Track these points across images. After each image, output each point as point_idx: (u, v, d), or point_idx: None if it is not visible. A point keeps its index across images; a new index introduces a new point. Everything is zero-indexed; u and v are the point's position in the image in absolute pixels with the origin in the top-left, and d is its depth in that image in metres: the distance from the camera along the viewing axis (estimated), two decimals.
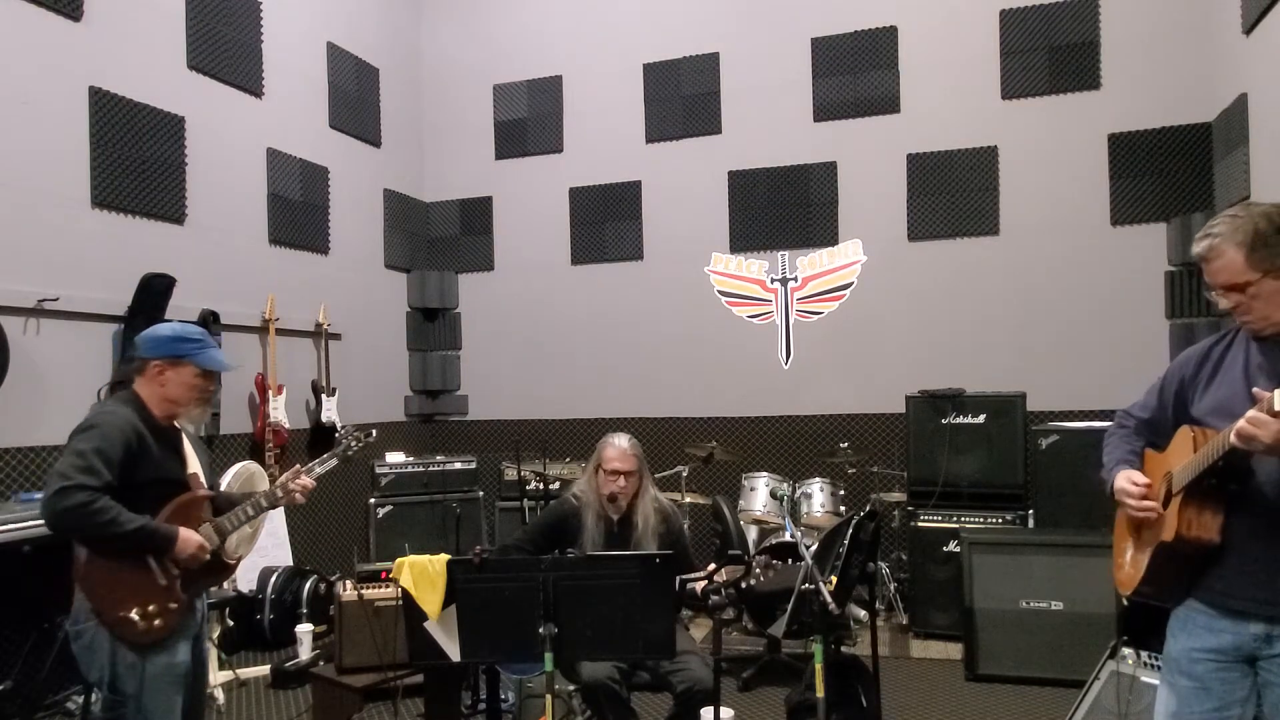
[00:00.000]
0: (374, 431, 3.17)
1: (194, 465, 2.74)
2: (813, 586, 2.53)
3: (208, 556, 2.59)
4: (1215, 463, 1.86)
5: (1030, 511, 5.10)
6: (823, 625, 2.51)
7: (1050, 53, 6.09)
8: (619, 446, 3.39)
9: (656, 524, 3.37)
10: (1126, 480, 2.11)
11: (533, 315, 7.41)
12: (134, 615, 2.45)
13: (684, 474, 5.74)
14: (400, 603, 2.91)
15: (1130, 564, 2.16)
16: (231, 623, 4.96)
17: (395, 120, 7.36)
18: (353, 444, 3.07)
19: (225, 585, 4.88)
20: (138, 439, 2.50)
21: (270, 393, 5.63)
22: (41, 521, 3.42)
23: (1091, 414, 5.52)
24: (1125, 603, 2.21)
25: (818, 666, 2.46)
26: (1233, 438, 1.79)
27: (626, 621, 2.55)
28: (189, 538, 2.54)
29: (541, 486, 5.69)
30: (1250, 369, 2.00)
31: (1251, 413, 1.75)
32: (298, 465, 2.92)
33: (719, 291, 6.90)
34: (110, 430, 2.46)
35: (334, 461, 3.00)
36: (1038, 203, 6.14)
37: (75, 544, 2.49)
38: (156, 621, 2.49)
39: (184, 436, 2.78)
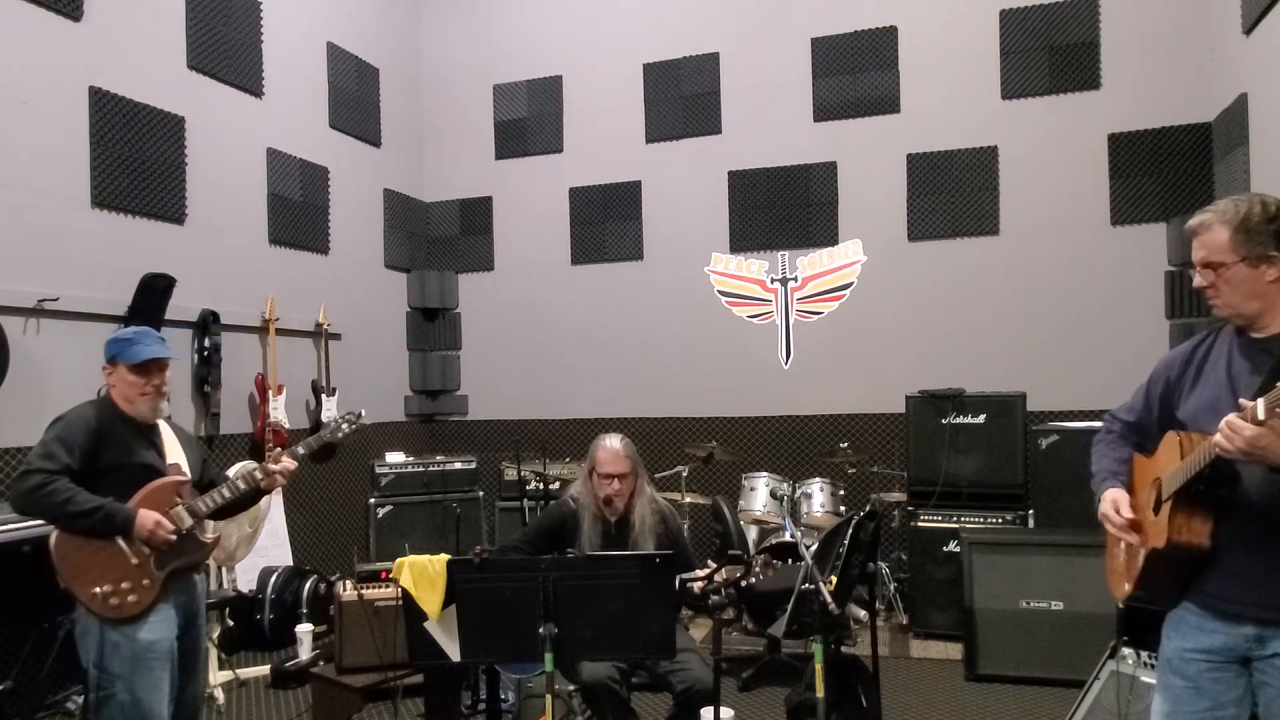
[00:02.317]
0: (363, 413, 3.23)
1: (175, 456, 2.85)
2: (813, 586, 2.53)
3: (171, 535, 2.66)
4: (1202, 469, 1.86)
5: (1030, 511, 5.09)
6: (823, 625, 2.51)
7: (1050, 53, 6.09)
8: (611, 449, 3.36)
9: (654, 524, 3.36)
10: (1111, 506, 2.12)
11: (533, 315, 7.41)
12: (105, 591, 2.56)
13: (684, 474, 5.74)
14: (400, 603, 2.91)
15: (1123, 569, 2.17)
16: (231, 623, 4.96)
17: (395, 120, 7.36)
18: (344, 426, 3.15)
19: (225, 585, 4.90)
20: (100, 427, 2.66)
21: (270, 393, 5.62)
22: (40, 522, 3.46)
23: (1091, 414, 5.51)
24: (1120, 605, 2.22)
25: (818, 666, 2.46)
26: (1209, 446, 1.80)
27: (626, 621, 2.55)
28: (145, 516, 2.63)
29: (541, 486, 5.69)
30: (1233, 369, 2.00)
31: (1230, 417, 1.75)
32: (279, 449, 2.97)
33: (719, 291, 6.90)
34: (72, 421, 2.65)
35: (318, 443, 3.07)
36: (1038, 203, 6.14)
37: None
38: (130, 598, 2.60)
39: (165, 430, 2.88)
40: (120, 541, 2.60)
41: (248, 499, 2.96)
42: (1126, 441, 2.26)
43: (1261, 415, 1.69)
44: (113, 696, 2.56)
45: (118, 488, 2.65)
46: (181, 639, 2.76)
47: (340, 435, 3.16)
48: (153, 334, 2.85)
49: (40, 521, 3.48)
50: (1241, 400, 1.76)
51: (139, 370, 2.75)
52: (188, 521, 2.73)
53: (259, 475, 2.86)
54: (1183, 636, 2.04)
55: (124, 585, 2.59)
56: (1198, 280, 2.02)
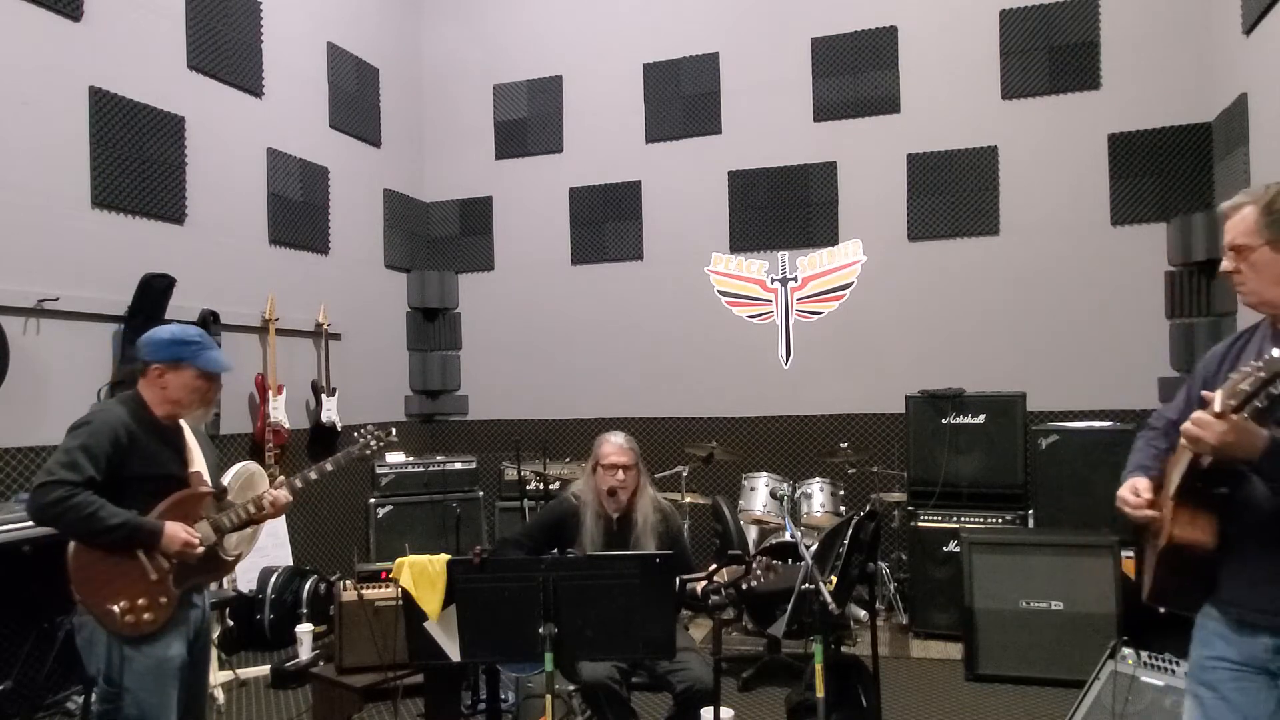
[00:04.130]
0: (393, 430, 3.19)
1: (197, 464, 2.75)
2: (813, 586, 2.53)
3: (199, 551, 2.58)
4: (1192, 465, 1.80)
5: (1030, 511, 5.10)
6: (823, 625, 2.51)
7: (1050, 53, 6.09)
8: (616, 442, 3.41)
9: (656, 521, 3.38)
10: (1129, 489, 2.04)
11: (533, 315, 7.41)
12: (122, 608, 2.47)
13: (684, 474, 5.74)
14: (400, 603, 2.91)
15: (1147, 569, 2.09)
16: (231, 623, 4.96)
17: (395, 120, 7.36)
18: (372, 442, 3.10)
19: (225, 585, 4.90)
20: (128, 435, 2.52)
21: (270, 393, 5.63)
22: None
23: (1091, 414, 5.52)
24: (1160, 611, 2.15)
25: (818, 666, 2.46)
26: (1181, 439, 1.73)
27: (626, 621, 2.55)
28: (174, 533, 2.53)
29: (541, 486, 5.68)
30: None
31: (1196, 414, 1.69)
32: (286, 478, 2.89)
33: (719, 291, 6.90)
34: (99, 427, 2.49)
35: (347, 459, 3.01)
36: (1038, 203, 6.14)
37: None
38: (146, 615, 2.50)
39: (188, 435, 2.78)
40: (141, 556, 2.50)
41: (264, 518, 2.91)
42: (1167, 438, 2.15)
43: (1217, 408, 1.64)
44: (119, 710, 2.49)
45: (143, 499, 2.54)
46: (189, 648, 2.70)
47: (369, 452, 3.09)
48: (211, 338, 2.77)
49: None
50: (1204, 393, 1.70)
51: (208, 377, 2.68)
52: (212, 538, 2.65)
53: (252, 509, 2.77)
54: (1204, 644, 1.96)
55: (140, 602, 2.49)
56: (1224, 264, 1.94)
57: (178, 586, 2.58)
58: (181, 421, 2.77)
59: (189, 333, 2.70)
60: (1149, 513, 1.99)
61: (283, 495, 2.81)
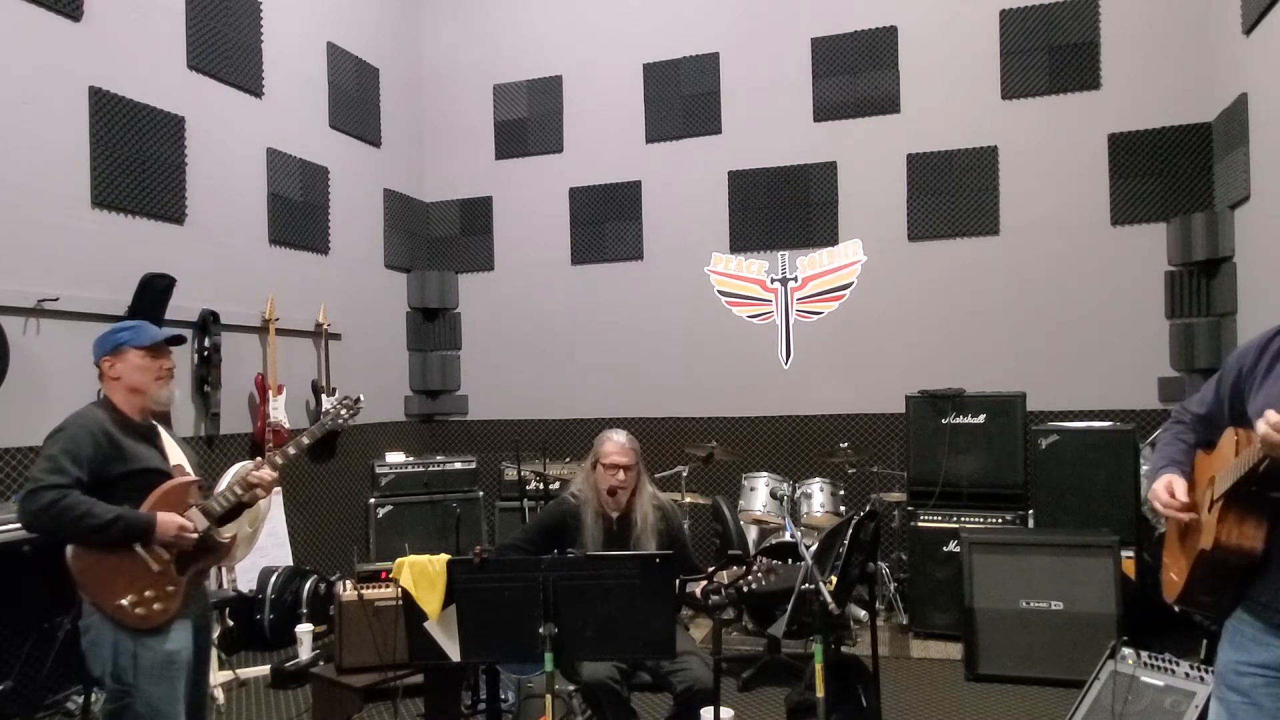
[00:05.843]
0: (361, 397, 3.20)
1: (177, 458, 2.79)
2: (813, 586, 2.53)
3: (194, 537, 2.62)
4: (1254, 468, 1.73)
5: (1030, 511, 5.09)
6: (823, 625, 2.51)
7: (1050, 53, 6.09)
8: (617, 441, 3.40)
9: (655, 520, 3.38)
10: (1164, 488, 1.98)
11: (533, 315, 7.41)
12: (130, 602, 2.50)
13: (684, 474, 5.74)
14: (400, 603, 2.91)
15: (1175, 572, 2.04)
16: (231, 623, 4.96)
17: (395, 120, 7.36)
18: (343, 413, 3.11)
19: (225, 585, 4.90)
20: (105, 435, 2.57)
21: (270, 393, 5.63)
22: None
23: (1091, 414, 5.52)
24: (1177, 609, 2.08)
25: (818, 666, 2.46)
26: (1258, 444, 1.66)
27: (627, 621, 2.55)
28: (167, 520, 2.57)
29: (541, 486, 5.69)
30: None
31: (1270, 413, 1.62)
32: (266, 455, 2.92)
33: (719, 291, 6.90)
34: (76, 430, 2.54)
35: (321, 430, 3.03)
36: (1038, 203, 6.14)
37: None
38: (156, 606, 2.54)
39: (164, 434, 2.82)
40: (139, 549, 2.53)
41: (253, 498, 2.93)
42: (1194, 434, 2.09)
43: None
44: (129, 708, 2.51)
45: (132, 495, 2.57)
46: (194, 641, 2.72)
47: (341, 422, 3.10)
48: (149, 324, 2.83)
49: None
50: None
51: (152, 353, 2.72)
52: (204, 523, 2.68)
53: (239, 490, 2.78)
54: (1236, 649, 1.91)
55: (148, 594, 2.52)
56: None
57: (182, 574, 2.61)
58: (155, 423, 2.81)
59: (125, 324, 2.80)
60: (1187, 515, 1.94)
61: (267, 473, 2.83)
